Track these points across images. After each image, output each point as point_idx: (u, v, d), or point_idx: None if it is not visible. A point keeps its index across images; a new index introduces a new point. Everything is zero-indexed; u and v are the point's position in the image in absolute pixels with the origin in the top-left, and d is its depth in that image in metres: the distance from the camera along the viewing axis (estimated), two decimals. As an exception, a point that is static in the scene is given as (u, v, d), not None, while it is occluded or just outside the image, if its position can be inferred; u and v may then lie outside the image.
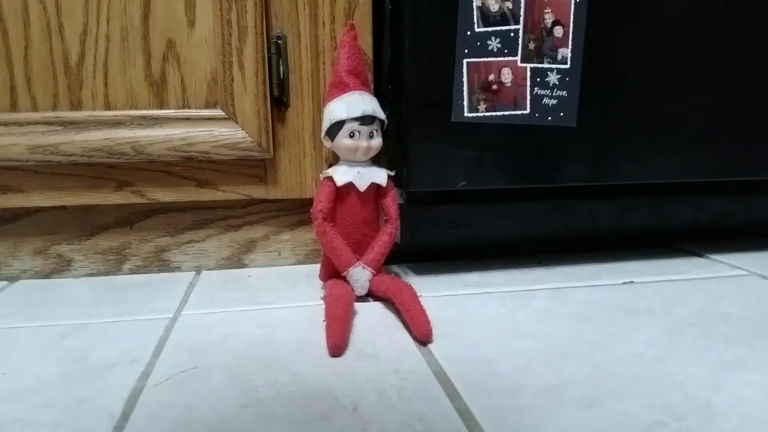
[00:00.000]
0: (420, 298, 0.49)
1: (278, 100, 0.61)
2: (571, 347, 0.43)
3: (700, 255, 0.68)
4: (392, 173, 0.55)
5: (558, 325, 0.48)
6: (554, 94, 0.55)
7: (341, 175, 0.53)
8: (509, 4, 0.52)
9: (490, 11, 0.53)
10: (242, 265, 0.66)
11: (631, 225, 0.66)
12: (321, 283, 0.57)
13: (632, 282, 0.58)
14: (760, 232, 0.75)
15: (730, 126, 0.61)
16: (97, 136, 0.58)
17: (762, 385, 0.37)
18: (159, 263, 0.65)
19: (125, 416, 0.35)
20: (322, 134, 0.55)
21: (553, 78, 0.55)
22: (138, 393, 0.38)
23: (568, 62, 0.55)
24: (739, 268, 0.62)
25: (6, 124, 0.57)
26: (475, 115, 0.55)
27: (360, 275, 0.53)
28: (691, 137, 0.61)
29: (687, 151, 0.61)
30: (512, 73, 0.55)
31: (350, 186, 0.53)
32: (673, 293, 0.55)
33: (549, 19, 0.54)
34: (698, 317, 0.49)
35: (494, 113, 0.55)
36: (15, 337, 0.47)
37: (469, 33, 0.53)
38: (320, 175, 0.55)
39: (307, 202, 0.56)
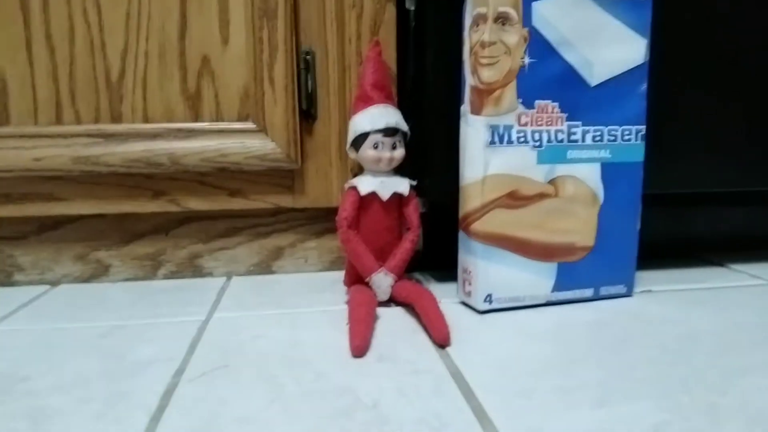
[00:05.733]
0: (440, 304, 0.51)
1: (306, 112, 0.64)
2: (586, 352, 0.45)
3: (720, 264, 0.68)
4: (414, 183, 0.57)
5: (574, 330, 0.49)
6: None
7: (365, 184, 0.55)
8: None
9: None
10: (270, 272, 0.69)
11: (652, 234, 0.66)
12: (345, 288, 0.59)
13: (650, 290, 0.59)
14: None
15: (753, 136, 0.62)
16: (136, 148, 0.61)
17: (771, 390, 0.38)
18: (192, 269, 0.68)
19: (161, 409, 0.37)
20: (348, 145, 0.57)
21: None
22: (173, 388, 0.40)
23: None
24: (759, 277, 0.63)
25: (51, 136, 0.61)
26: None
27: (382, 281, 0.55)
28: (712, 147, 0.62)
29: (709, 161, 0.62)
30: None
31: (374, 195, 0.55)
32: (690, 302, 0.56)
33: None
34: (713, 325, 0.50)
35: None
36: (58, 336, 0.50)
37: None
38: (345, 185, 0.57)
39: (333, 211, 0.58)
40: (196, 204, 0.64)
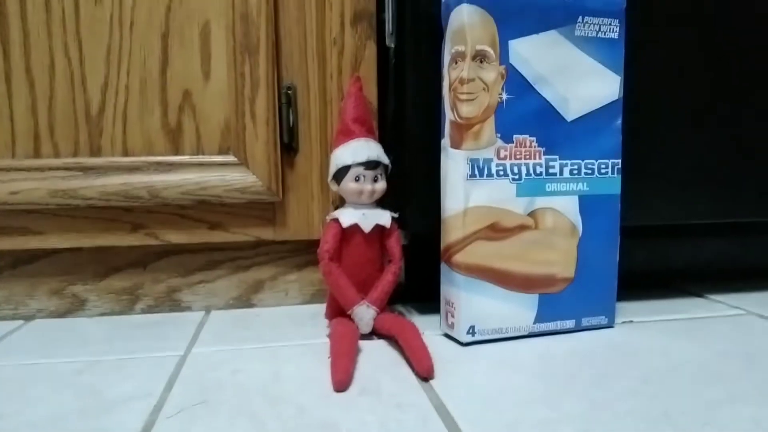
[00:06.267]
0: (422, 336, 0.51)
1: (288, 146, 0.64)
2: (569, 384, 0.45)
3: (699, 295, 0.69)
4: (396, 215, 0.57)
5: (557, 362, 0.49)
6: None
7: (347, 217, 0.55)
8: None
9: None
10: (251, 305, 0.68)
11: (631, 266, 0.67)
12: (327, 321, 0.59)
13: (631, 321, 0.60)
14: (759, 272, 0.76)
15: (728, 168, 0.63)
16: (114, 181, 0.61)
17: (752, 419, 0.38)
18: (170, 303, 0.67)
19: (138, 447, 0.37)
20: (329, 178, 0.57)
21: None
22: (151, 425, 0.39)
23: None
24: (737, 307, 0.64)
25: (29, 169, 0.60)
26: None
27: (364, 314, 0.55)
28: (688, 179, 0.63)
29: (685, 193, 0.63)
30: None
31: (355, 227, 0.55)
32: (671, 332, 0.56)
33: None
34: (694, 355, 0.50)
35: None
36: (32, 373, 0.49)
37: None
38: (327, 217, 0.57)
39: (314, 244, 0.58)
40: (176, 237, 0.64)
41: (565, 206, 0.55)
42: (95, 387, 0.46)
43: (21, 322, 0.64)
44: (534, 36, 0.52)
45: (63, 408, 0.42)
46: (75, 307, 0.66)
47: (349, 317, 0.55)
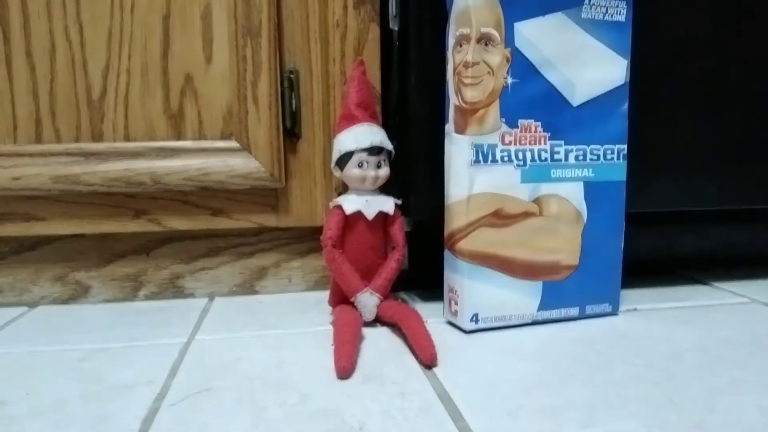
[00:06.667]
0: (426, 324, 0.51)
1: (290, 131, 0.63)
2: (573, 371, 0.44)
3: (703, 282, 0.69)
4: (399, 202, 0.57)
5: (560, 349, 0.49)
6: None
7: (350, 203, 0.55)
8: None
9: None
10: (254, 292, 0.68)
11: (636, 253, 0.67)
12: (330, 308, 0.59)
13: (636, 309, 0.59)
14: (765, 260, 0.76)
15: (733, 155, 0.63)
16: (116, 167, 0.61)
17: (756, 406, 0.38)
18: (173, 290, 0.67)
19: (142, 434, 0.37)
20: (332, 164, 0.57)
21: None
22: (154, 412, 0.39)
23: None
24: (742, 295, 0.63)
25: (31, 155, 0.60)
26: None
27: (368, 301, 0.54)
28: (694, 166, 0.62)
29: (691, 180, 0.63)
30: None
31: (359, 214, 0.55)
32: (675, 319, 0.56)
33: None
34: (698, 342, 0.50)
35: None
36: (36, 359, 0.49)
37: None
38: (330, 204, 0.57)
39: (318, 230, 0.58)
40: (178, 223, 0.63)
41: (570, 193, 0.54)
42: (99, 374, 0.46)
43: (25, 308, 0.64)
44: (540, 18, 0.52)
45: (66, 395, 0.42)
46: (78, 294, 0.66)
47: (353, 304, 0.55)
